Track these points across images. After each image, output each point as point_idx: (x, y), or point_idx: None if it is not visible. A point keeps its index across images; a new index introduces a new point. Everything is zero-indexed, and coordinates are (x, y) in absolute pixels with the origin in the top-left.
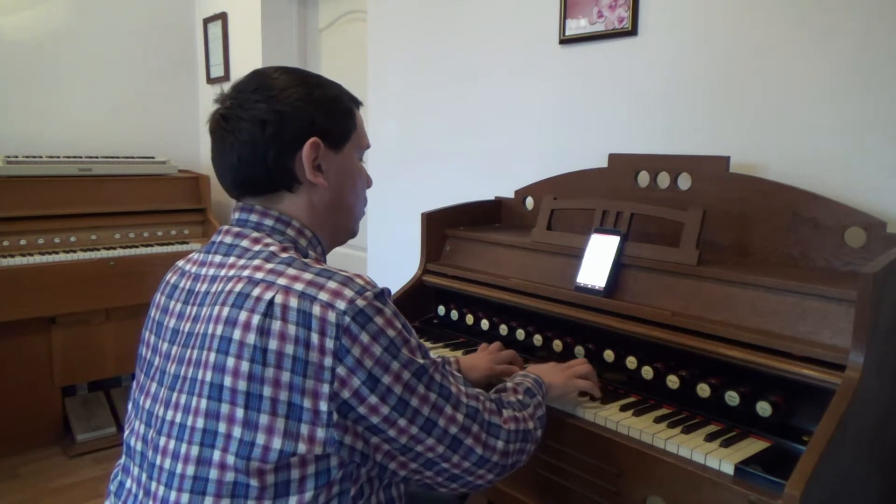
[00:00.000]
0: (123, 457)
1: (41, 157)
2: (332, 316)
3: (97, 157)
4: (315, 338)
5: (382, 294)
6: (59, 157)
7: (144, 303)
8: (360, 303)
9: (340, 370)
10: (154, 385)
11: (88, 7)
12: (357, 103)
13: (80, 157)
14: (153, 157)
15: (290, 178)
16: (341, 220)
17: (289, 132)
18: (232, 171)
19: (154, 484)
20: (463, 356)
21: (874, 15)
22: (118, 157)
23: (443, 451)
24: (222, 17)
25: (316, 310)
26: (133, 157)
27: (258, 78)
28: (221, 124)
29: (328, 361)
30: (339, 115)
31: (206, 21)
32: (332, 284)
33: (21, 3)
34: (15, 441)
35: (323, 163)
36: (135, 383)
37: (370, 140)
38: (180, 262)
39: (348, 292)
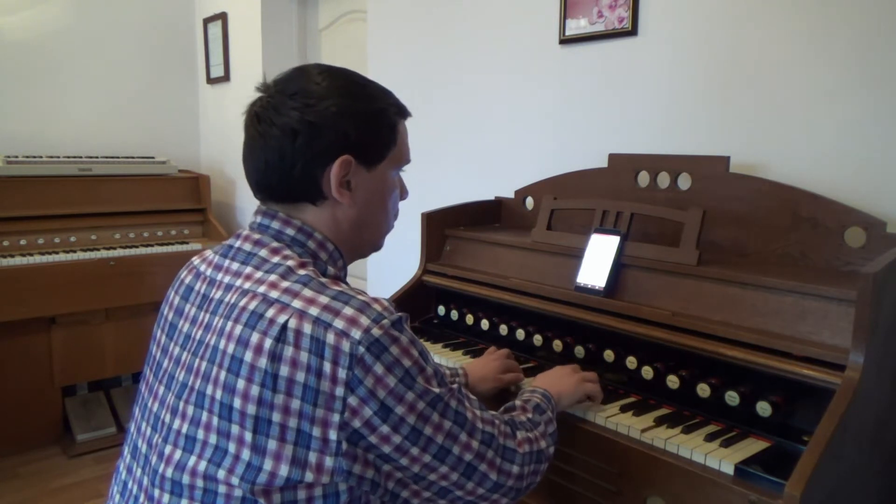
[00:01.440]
0: (128, 456)
1: (41, 157)
2: (346, 345)
3: (97, 157)
4: (327, 367)
5: (400, 321)
6: (59, 157)
7: (144, 303)
8: (376, 332)
9: (352, 400)
10: (162, 388)
11: (88, 7)
12: (404, 115)
13: (80, 157)
14: (153, 157)
15: (316, 191)
16: (366, 236)
17: (319, 146)
18: (257, 175)
19: (157, 491)
20: (471, 367)
21: (874, 15)
22: (118, 157)
23: (457, 479)
24: (222, 17)
25: (330, 338)
26: (133, 157)
27: (300, 79)
28: (254, 123)
29: (340, 391)
30: (379, 131)
31: (206, 21)
32: (347, 311)
33: (21, 3)
34: (15, 441)
35: (353, 180)
36: (143, 381)
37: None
38: (196, 261)
39: (364, 320)
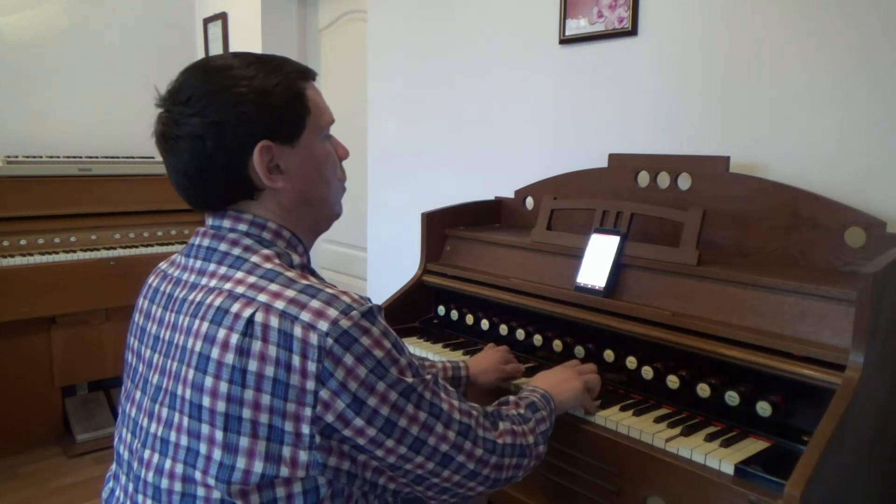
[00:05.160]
0: (114, 464)
1: (41, 157)
2: (313, 338)
3: (97, 157)
4: (296, 360)
5: (371, 312)
6: (59, 157)
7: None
8: (345, 323)
9: (323, 393)
10: (138, 393)
11: (88, 7)
12: (308, 76)
13: (80, 157)
14: (153, 157)
15: (249, 186)
16: (317, 212)
17: (231, 142)
18: (185, 191)
19: (140, 497)
20: (472, 360)
21: (874, 15)
22: (118, 157)
23: (433, 468)
24: (222, 17)
25: (297, 331)
26: (133, 157)
27: (188, 83)
28: (162, 143)
29: (310, 385)
30: (287, 105)
31: (206, 21)
32: (314, 303)
33: (21, 3)
34: (15, 441)
35: (280, 162)
36: (122, 389)
37: (369, 135)
38: (162, 265)
39: (332, 312)
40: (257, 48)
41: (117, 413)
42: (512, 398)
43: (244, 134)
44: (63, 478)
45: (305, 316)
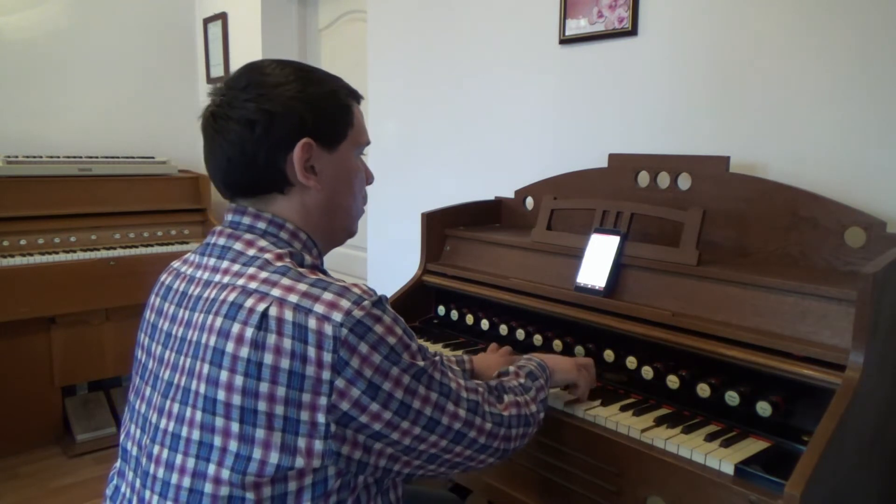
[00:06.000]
0: (119, 460)
1: (41, 157)
2: (328, 328)
3: (97, 157)
4: (312, 351)
5: (381, 301)
6: (59, 157)
7: (144, 303)
8: (358, 313)
9: (339, 382)
10: (148, 389)
11: (88, 7)
12: (356, 98)
13: (80, 157)
14: (153, 157)
15: (282, 179)
16: (337, 222)
17: (278, 132)
18: (221, 173)
19: (148, 493)
20: (476, 357)
21: (874, 15)
22: (118, 157)
23: (446, 445)
24: (222, 17)
25: (312, 323)
26: (133, 157)
27: (250, 73)
28: (211, 123)
29: (326, 375)
30: (333, 113)
31: (206, 21)
32: (327, 296)
33: (21, 3)
34: (15, 441)
35: (316, 164)
36: (131, 385)
37: (370, 137)
38: (175, 263)
39: (345, 303)
40: (257, 48)
41: (117, 413)
42: (511, 368)
43: (291, 128)
44: (63, 478)
45: (319, 308)
